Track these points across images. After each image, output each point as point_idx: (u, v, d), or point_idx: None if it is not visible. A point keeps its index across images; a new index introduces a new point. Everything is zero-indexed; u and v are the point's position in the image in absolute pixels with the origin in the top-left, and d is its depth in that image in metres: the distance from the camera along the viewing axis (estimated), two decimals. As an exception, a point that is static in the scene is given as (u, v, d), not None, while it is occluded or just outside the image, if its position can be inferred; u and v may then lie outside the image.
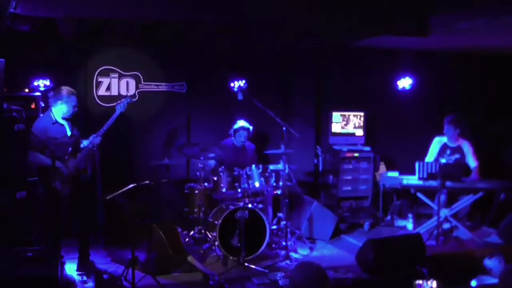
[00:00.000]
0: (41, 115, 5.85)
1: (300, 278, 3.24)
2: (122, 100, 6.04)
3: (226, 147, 6.99)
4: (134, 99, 6.20)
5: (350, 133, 8.12)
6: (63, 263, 5.55)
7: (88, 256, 5.86)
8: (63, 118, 5.62)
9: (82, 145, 5.75)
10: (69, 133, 5.65)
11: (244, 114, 7.21)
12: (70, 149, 5.59)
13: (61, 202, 5.44)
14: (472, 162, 7.36)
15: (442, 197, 7.05)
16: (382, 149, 8.26)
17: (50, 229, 5.31)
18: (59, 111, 5.58)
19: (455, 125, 7.31)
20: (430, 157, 7.46)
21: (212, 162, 6.98)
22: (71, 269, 5.76)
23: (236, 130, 7.04)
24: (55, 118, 5.57)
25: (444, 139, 7.47)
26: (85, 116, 6.69)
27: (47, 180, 5.32)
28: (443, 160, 7.27)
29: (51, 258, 4.54)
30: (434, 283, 3.41)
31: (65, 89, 5.61)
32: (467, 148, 7.39)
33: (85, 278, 5.56)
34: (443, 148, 7.45)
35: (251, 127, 7.07)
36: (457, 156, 7.37)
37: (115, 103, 7.01)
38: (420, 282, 3.41)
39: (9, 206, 4.89)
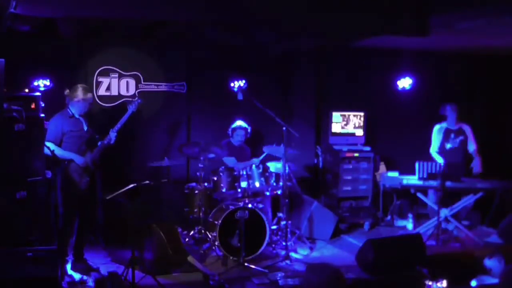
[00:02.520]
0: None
1: (317, 280, 3.22)
2: (133, 100, 6.24)
3: (225, 148, 7.00)
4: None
5: (350, 133, 8.12)
6: (66, 261, 5.57)
7: (82, 255, 5.89)
8: (80, 115, 5.79)
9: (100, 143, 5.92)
10: (85, 128, 5.83)
11: (244, 114, 7.22)
12: (84, 143, 5.79)
13: (77, 194, 5.62)
14: (471, 145, 7.46)
15: (436, 194, 7.06)
16: (382, 149, 8.26)
17: (62, 225, 5.42)
18: (77, 108, 5.76)
19: (457, 109, 7.44)
20: (435, 145, 7.51)
21: (232, 159, 6.95)
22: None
23: (233, 129, 7.11)
24: (72, 113, 5.76)
25: (443, 125, 7.52)
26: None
27: (65, 172, 5.58)
28: (449, 145, 7.35)
29: (51, 258, 4.54)
30: (444, 283, 3.38)
31: (81, 87, 5.78)
32: (468, 130, 7.51)
33: (85, 277, 5.57)
34: (447, 133, 7.50)
35: (249, 128, 7.10)
36: (461, 137, 7.49)
37: (117, 102, 7.08)
38: (430, 283, 3.37)
39: (9, 206, 4.89)
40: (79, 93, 5.72)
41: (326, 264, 3.41)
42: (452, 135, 7.48)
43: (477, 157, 7.45)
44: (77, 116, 5.77)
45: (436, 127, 7.60)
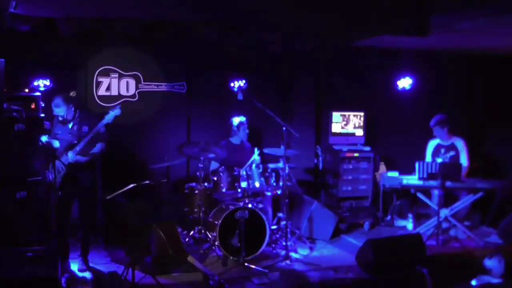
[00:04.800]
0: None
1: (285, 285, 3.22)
2: (110, 111, 5.81)
3: (224, 148, 6.99)
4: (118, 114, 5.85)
5: (350, 133, 8.12)
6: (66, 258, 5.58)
7: (86, 254, 5.91)
8: (65, 117, 5.81)
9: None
10: (69, 131, 5.79)
11: (244, 114, 7.22)
12: (66, 144, 5.74)
13: (55, 191, 5.54)
14: (464, 161, 7.34)
15: (439, 192, 7.04)
16: (382, 149, 8.27)
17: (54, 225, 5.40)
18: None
19: (441, 125, 7.36)
20: (428, 160, 7.45)
21: (214, 164, 6.98)
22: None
23: (238, 126, 7.11)
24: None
25: (437, 140, 7.51)
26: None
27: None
28: (439, 160, 7.28)
29: (51, 258, 4.54)
30: None
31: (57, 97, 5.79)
32: (461, 145, 7.39)
33: (85, 277, 5.57)
34: (437, 148, 7.49)
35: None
36: (452, 153, 7.39)
37: (117, 102, 7.11)
38: None
39: (9, 206, 4.89)
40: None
41: (292, 270, 3.42)
42: (443, 150, 7.44)
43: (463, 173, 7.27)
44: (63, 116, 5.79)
45: (430, 143, 7.57)
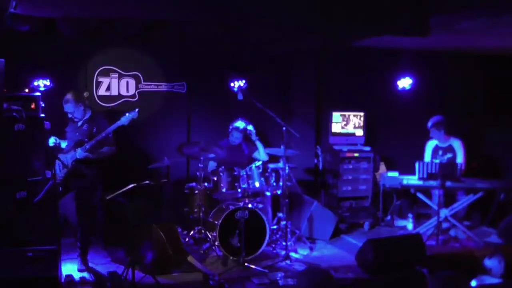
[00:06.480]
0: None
1: (307, 283, 3.22)
2: (127, 113, 5.96)
3: (223, 147, 6.99)
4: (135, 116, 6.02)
5: (350, 133, 8.12)
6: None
7: (85, 255, 5.90)
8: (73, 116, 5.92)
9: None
10: (77, 130, 5.88)
11: (244, 114, 7.22)
12: (73, 142, 5.83)
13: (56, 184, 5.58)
14: (460, 160, 7.33)
15: (440, 192, 7.03)
16: (382, 149, 8.26)
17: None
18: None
19: (437, 126, 7.37)
20: (427, 160, 7.46)
21: (212, 164, 6.99)
22: (71, 269, 5.77)
23: (231, 131, 7.07)
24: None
25: (435, 141, 7.52)
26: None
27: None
28: (436, 161, 7.29)
29: (51, 258, 4.55)
30: None
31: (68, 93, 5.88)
32: (458, 146, 7.40)
33: (85, 277, 5.57)
34: (436, 150, 7.51)
35: (249, 126, 7.05)
36: (449, 155, 7.39)
37: (117, 102, 7.10)
38: None
39: (9, 206, 4.89)
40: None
41: (317, 267, 3.42)
42: (440, 152, 7.45)
43: None
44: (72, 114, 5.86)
45: (428, 144, 7.58)
